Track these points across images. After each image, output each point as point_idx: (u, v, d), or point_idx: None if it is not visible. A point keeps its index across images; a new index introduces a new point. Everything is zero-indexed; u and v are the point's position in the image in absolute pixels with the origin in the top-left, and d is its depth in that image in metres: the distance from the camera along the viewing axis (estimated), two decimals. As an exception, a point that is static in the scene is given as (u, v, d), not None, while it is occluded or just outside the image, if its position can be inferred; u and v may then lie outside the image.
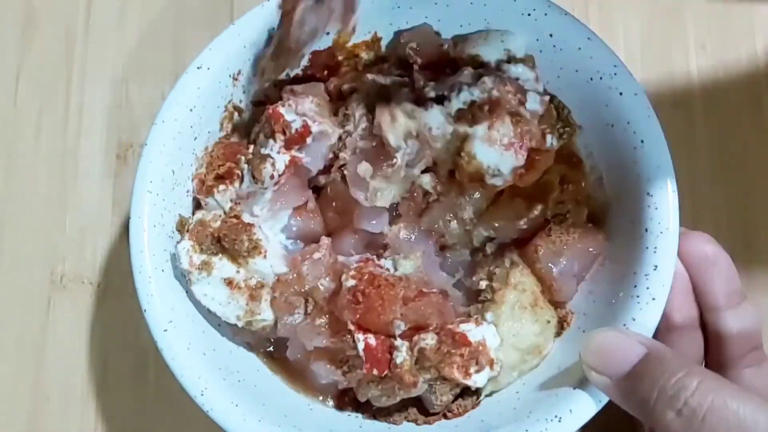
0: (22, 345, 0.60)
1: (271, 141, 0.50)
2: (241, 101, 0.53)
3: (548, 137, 0.51)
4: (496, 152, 0.49)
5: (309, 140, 0.50)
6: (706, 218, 0.59)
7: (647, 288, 0.46)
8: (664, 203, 0.47)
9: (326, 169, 0.53)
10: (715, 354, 0.49)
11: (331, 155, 0.52)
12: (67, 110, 0.63)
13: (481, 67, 0.51)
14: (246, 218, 0.51)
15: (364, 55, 0.54)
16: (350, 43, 0.53)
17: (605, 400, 0.45)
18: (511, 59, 0.51)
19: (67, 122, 0.63)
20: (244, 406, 0.47)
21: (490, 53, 0.51)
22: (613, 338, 0.44)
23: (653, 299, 0.46)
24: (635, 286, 0.46)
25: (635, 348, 0.43)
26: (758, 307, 0.55)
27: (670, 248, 0.46)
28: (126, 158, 0.62)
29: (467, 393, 0.51)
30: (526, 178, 0.51)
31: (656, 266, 0.46)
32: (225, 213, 0.51)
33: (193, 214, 0.52)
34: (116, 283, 0.60)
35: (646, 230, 0.47)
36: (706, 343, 0.50)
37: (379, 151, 0.51)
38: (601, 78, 0.49)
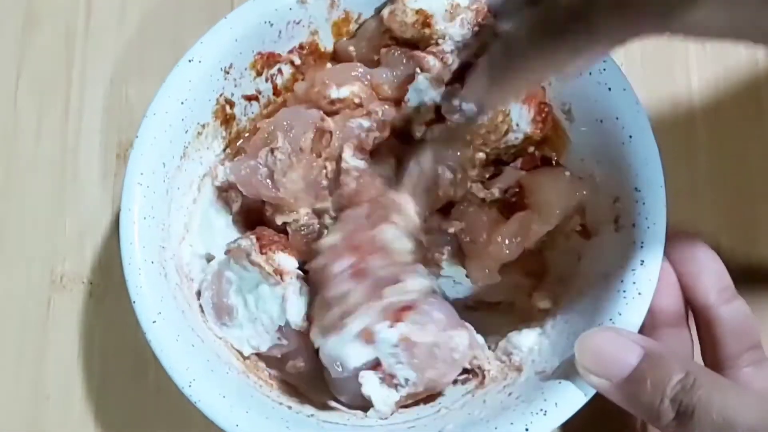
0: (22, 344, 0.60)
1: None
2: (232, 94, 0.53)
3: (547, 90, 0.52)
4: (517, 107, 0.50)
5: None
6: (706, 218, 0.59)
7: (633, 283, 0.46)
8: (652, 198, 0.46)
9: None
10: (712, 353, 0.48)
11: None
12: (67, 110, 0.64)
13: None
14: None
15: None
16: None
17: (591, 394, 0.45)
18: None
19: (66, 122, 0.64)
20: (232, 398, 0.46)
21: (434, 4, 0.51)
22: (608, 339, 0.44)
23: (639, 294, 0.46)
24: (621, 281, 0.46)
25: (632, 349, 0.43)
26: (759, 308, 0.55)
27: (657, 243, 0.46)
28: (126, 158, 0.62)
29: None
30: (544, 129, 0.51)
31: (643, 261, 0.46)
32: None
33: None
34: (116, 282, 0.60)
35: (633, 225, 0.47)
36: (702, 343, 0.49)
37: None
38: (590, 73, 0.49)
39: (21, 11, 0.66)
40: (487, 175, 0.53)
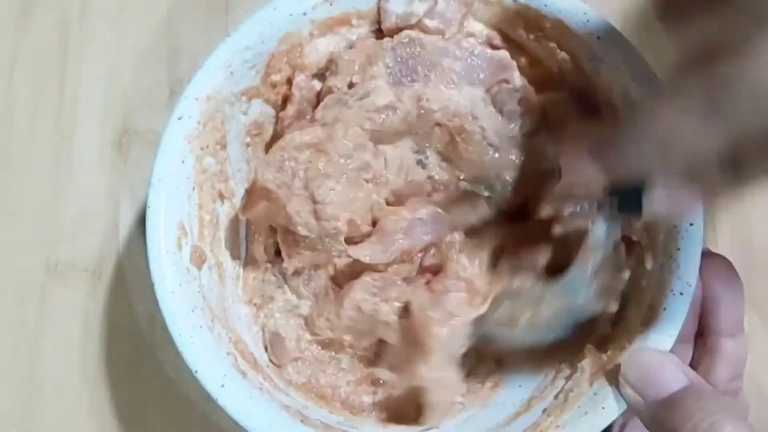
0: (17, 333, 0.60)
1: None
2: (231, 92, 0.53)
3: None
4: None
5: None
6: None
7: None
8: None
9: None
10: (704, 374, 0.50)
11: None
12: (63, 98, 0.64)
13: None
14: None
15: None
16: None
17: None
18: None
19: (62, 110, 0.63)
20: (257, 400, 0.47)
21: None
22: (659, 361, 0.44)
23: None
24: None
25: (678, 377, 0.43)
26: (757, 302, 0.56)
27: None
28: (121, 146, 0.62)
29: None
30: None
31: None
32: None
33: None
34: (112, 270, 0.60)
35: None
36: (695, 360, 0.51)
37: None
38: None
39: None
40: None
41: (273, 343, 0.53)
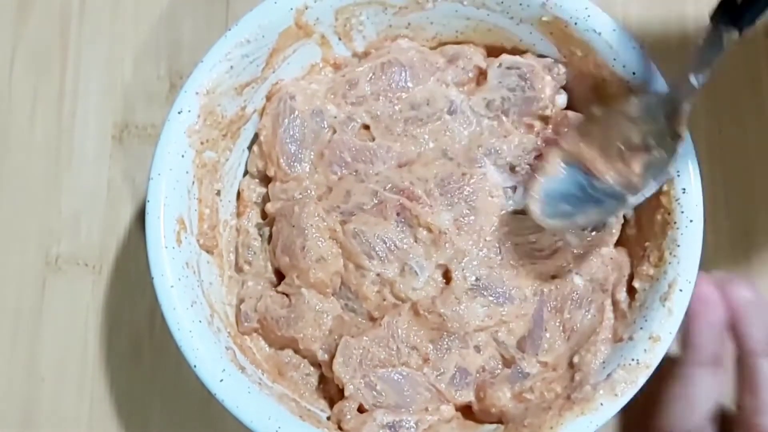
0: (17, 326, 0.60)
1: None
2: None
3: None
4: None
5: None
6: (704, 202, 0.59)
7: None
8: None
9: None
10: (750, 398, 0.49)
11: None
12: (62, 91, 0.63)
13: None
14: None
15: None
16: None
17: None
18: None
19: (62, 103, 0.63)
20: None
21: None
22: None
23: None
24: None
25: None
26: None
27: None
28: (121, 139, 0.62)
29: None
30: None
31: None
32: None
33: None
34: (111, 264, 0.60)
35: None
36: (741, 386, 0.50)
37: None
38: (575, 23, 0.50)
39: (16, -9, 0.65)
40: None
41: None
